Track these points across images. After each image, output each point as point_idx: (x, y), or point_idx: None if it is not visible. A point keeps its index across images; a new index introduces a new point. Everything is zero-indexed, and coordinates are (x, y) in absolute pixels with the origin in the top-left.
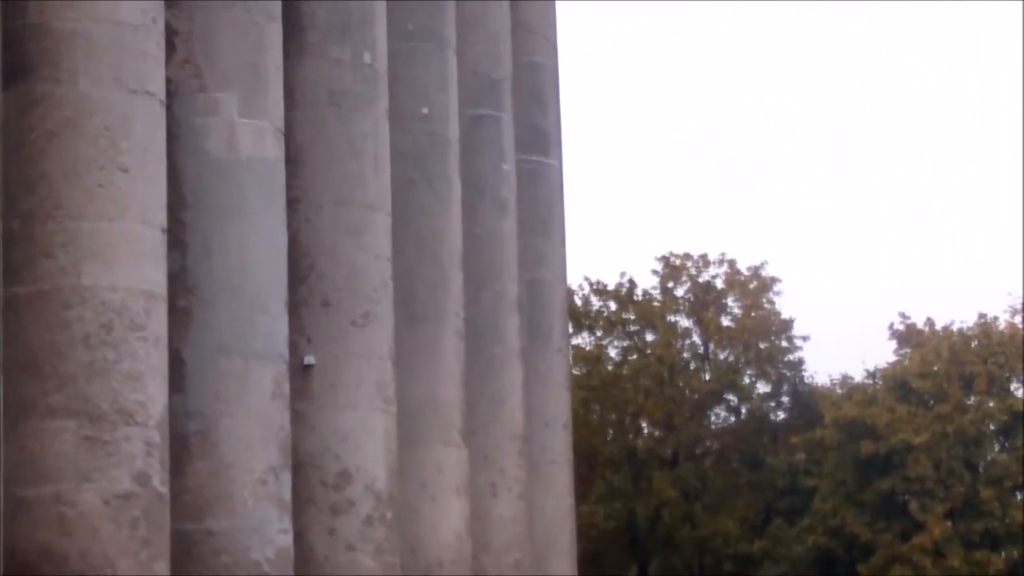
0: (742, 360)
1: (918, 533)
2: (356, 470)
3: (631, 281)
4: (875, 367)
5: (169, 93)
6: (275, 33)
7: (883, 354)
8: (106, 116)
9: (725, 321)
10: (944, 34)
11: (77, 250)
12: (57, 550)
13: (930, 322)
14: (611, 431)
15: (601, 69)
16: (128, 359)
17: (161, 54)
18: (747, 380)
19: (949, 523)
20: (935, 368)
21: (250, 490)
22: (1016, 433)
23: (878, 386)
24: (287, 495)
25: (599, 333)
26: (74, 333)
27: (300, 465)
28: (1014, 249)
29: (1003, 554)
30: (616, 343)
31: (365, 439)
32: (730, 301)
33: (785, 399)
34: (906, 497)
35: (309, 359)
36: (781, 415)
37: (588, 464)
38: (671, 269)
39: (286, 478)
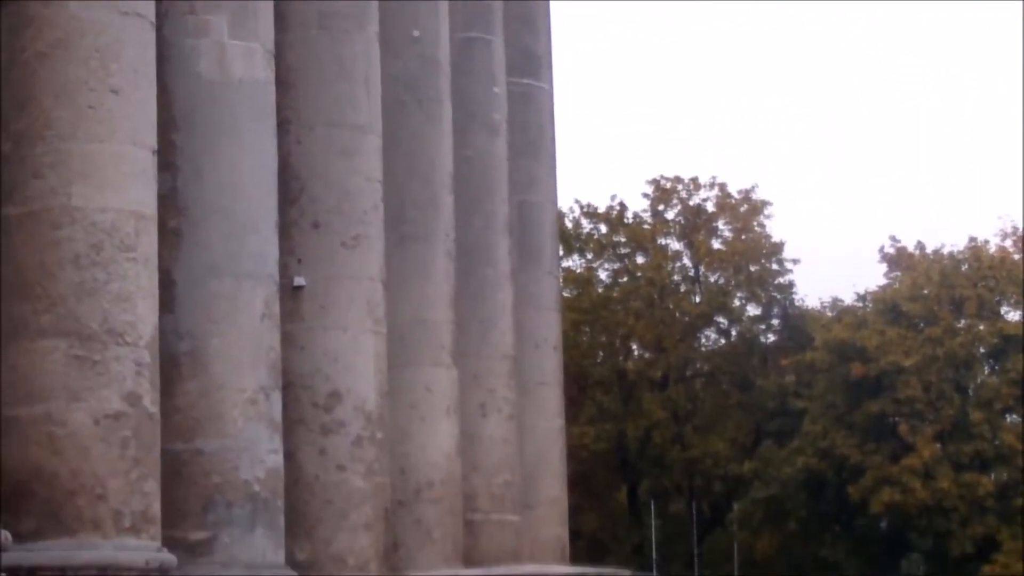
0: (732, 283)
1: (908, 455)
2: (346, 391)
3: (621, 204)
4: (865, 290)
5: (159, 15)
6: None
7: (873, 277)
8: (97, 38)
9: (715, 244)
10: None
11: (67, 171)
12: (47, 469)
13: (920, 245)
14: (601, 353)
15: None
16: (118, 279)
17: None
18: (737, 302)
19: (939, 445)
20: (925, 291)
21: (240, 410)
22: (1006, 356)
23: (868, 309)
24: (277, 415)
25: (589, 256)
26: (64, 253)
27: (290, 386)
28: (1005, 173)
29: (993, 476)
30: (606, 265)
31: (355, 360)
32: (721, 224)
33: (775, 321)
34: (896, 419)
35: (299, 280)
36: (771, 337)
37: (578, 386)
38: (662, 192)
39: (276, 398)
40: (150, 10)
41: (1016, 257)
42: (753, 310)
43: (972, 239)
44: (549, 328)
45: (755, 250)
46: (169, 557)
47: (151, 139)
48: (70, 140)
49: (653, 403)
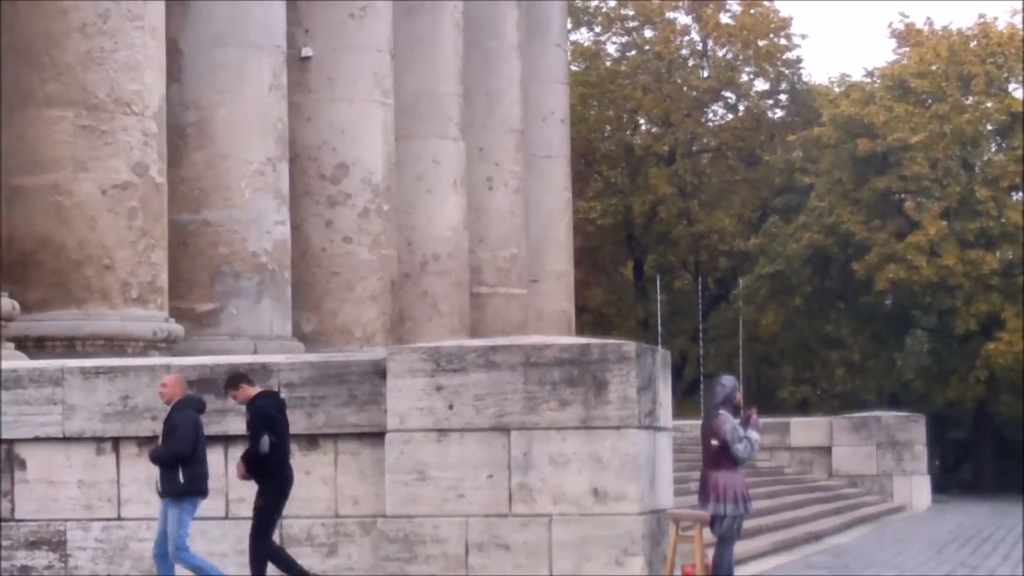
0: (740, 57)
1: (913, 232)
2: (353, 163)
3: None
4: (874, 66)
5: None
6: None
7: (882, 53)
8: None
9: (724, 18)
10: None
11: None
12: (54, 239)
13: (929, 21)
14: (608, 127)
15: None
16: (125, 48)
17: None
18: (745, 77)
19: (945, 222)
20: (933, 67)
21: (247, 181)
22: (1013, 133)
23: (876, 85)
24: (284, 187)
25: (597, 29)
26: (71, 22)
27: (297, 157)
28: None
29: (998, 254)
30: (614, 39)
31: (362, 131)
32: None
33: (783, 97)
34: (902, 196)
35: (307, 51)
36: (779, 113)
37: (585, 160)
38: None
39: (283, 170)
40: None
41: None
42: (761, 85)
43: (981, 16)
44: (556, 101)
45: (763, 24)
46: (176, 327)
47: None
48: None
49: (660, 178)
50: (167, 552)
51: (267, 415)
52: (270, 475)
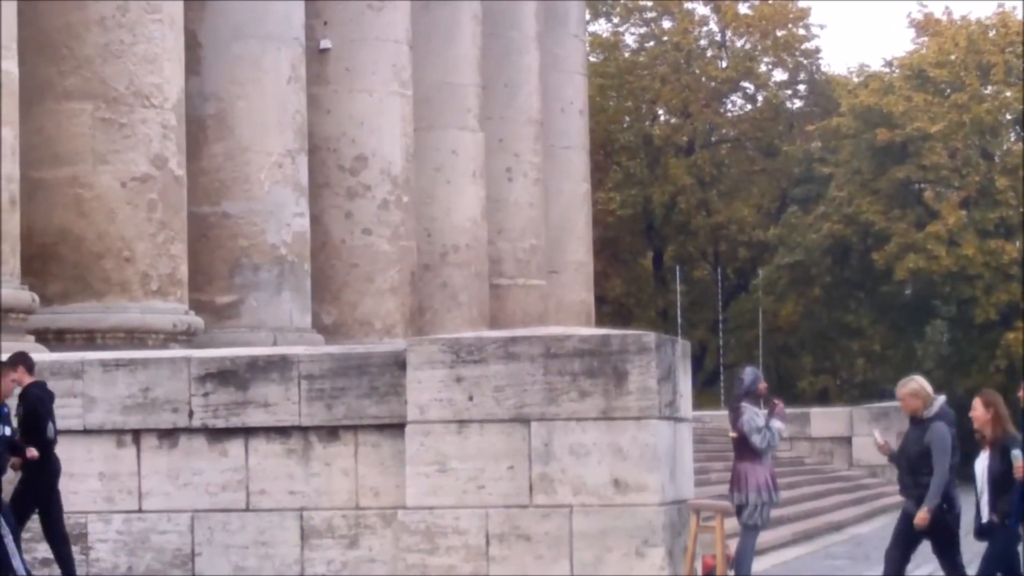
0: (759, 48)
1: (933, 222)
2: (372, 154)
3: None
4: (892, 56)
5: None
6: None
7: (901, 43)
8: None
9: (742, 8)
10: None
11: None
12: (74, 232)
13: (948, 11)
14: (627, 118)
15: None
16: (144, 41)
17: None
18: (764, 68)
19: (964, 212)
20: (952, 57)
21: (266, 173)
22: None
23: (895, 74)
24: (303, 178)
25: (616, 20)
26: (90, 15)
27: (316, 149)
28: None
29: (1017, 243)
30: (633, 30)
31: (381, 123)
32: None
33: (802, 87)
34: (921, 186)
35: (325, 43)
36: (797, 103)
37: (604, 151)
38: None
39: (302, 161)
40: None
41: None
42: (779, 75)
43: (1000, 5)
44: (575, 91)
45: (782, 15)
46: (196, 320)
47: None
48: None
49: (679, 169)
50: None
51: (44, 404)
52: (42, 463)
